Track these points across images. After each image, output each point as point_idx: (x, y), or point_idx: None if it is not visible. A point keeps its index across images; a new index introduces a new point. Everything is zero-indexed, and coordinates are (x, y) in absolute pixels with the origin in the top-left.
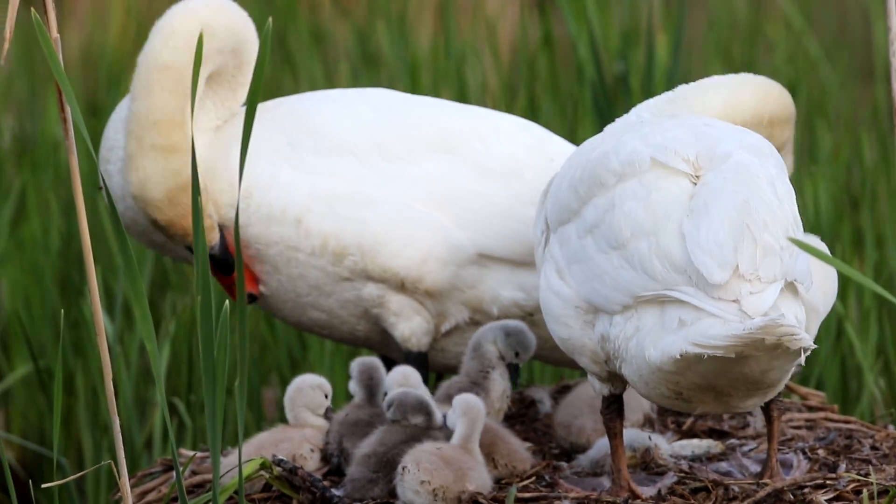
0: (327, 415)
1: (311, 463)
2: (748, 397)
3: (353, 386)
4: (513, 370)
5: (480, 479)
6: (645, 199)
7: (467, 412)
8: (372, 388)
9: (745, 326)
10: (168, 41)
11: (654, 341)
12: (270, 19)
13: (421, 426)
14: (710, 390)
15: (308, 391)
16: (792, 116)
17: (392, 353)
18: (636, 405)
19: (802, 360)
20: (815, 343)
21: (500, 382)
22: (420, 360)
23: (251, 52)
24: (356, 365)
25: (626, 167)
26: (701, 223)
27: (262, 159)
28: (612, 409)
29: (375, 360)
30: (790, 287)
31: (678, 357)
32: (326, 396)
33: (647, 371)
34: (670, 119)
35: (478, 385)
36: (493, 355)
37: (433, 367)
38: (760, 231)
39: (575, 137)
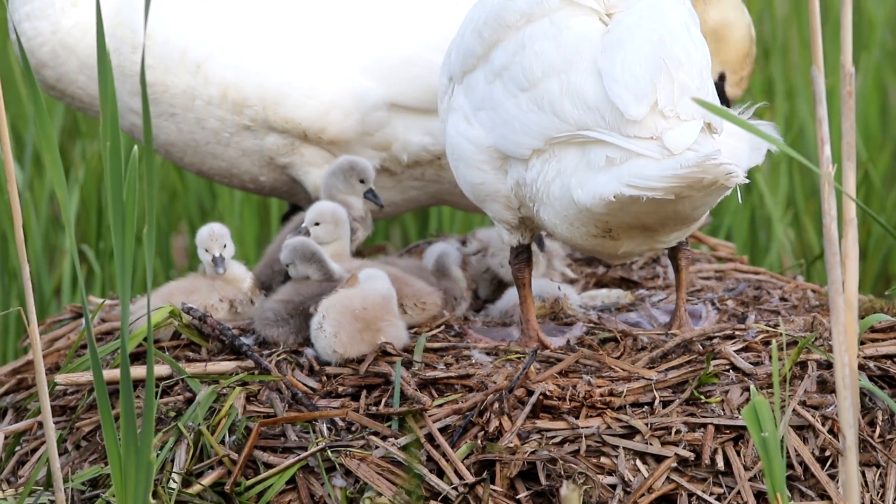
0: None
1: (220, 313)
2: (674, 231)
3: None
4: (370, 195)
5: (396, 332)
6: (556, 38)
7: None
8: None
9: (683, 165)
10: None
11: (581, 182)
12: None
13: (317, 280)
14: (639, 227)
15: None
16: None
17: (299, 202)
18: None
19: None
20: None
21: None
22: None
23: None
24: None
25: (535, 6)
26: (616, 58)
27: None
28: (521, 259)
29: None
30: (708, 128)
31: (612, 199)
32: (225, 246)
33: (574, 212)
34: None
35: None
36: (358, 204)
37: None
38: (676, 69)
39: None
